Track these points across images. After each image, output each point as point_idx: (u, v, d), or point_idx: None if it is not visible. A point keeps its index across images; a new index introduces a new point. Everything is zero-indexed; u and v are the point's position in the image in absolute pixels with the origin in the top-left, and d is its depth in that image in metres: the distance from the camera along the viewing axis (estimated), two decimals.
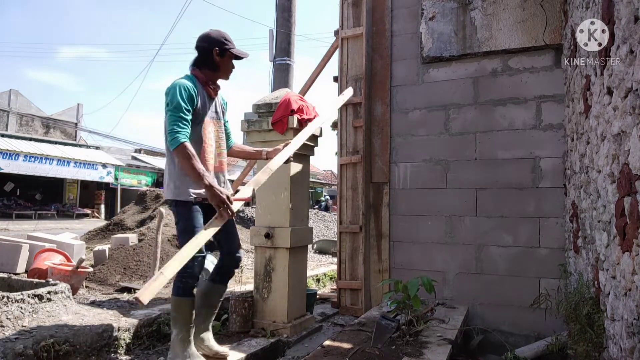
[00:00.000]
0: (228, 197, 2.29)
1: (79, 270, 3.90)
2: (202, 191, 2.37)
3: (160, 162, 23.46)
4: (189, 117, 2.37)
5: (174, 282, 2.47)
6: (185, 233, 2.40)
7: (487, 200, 3.45)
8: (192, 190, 2.42)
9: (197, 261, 2.45)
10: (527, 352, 2.86)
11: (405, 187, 3.77)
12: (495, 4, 3.47)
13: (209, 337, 2.66)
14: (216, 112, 2.61)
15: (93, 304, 3.53)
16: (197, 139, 2.45)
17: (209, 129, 2.53)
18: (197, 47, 2.51)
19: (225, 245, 2.66)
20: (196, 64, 2.53)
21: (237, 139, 3.12)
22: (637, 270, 1.54)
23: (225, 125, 2.75)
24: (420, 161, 3.72)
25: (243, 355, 2.75)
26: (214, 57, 2.48)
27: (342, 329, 3.08)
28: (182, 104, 2.34)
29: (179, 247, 2.42)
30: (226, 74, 2.58)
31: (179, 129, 2.30)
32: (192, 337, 2.47)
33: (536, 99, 3.35)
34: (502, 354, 2.92)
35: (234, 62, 2.61)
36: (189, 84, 2.40)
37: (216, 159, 2.57)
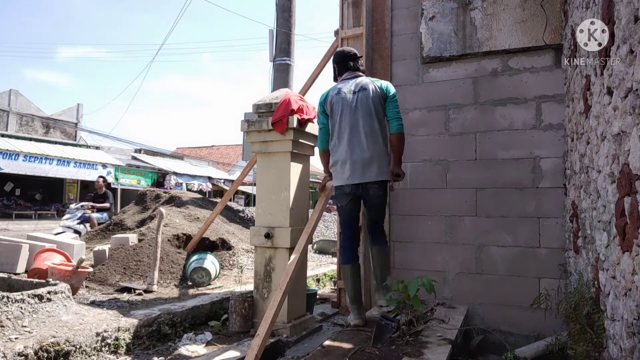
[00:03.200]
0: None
1: (79, 270, 3.90)
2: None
3: (160, 162, 23.43)
4: None
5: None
6: (386, 206, 2.99)
7: (487, 200, 3.45)
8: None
9: (350, 235, 2.95)
10: (527, 352, 2.86)
11: (405, 187, 3.77)
12: (495, 4, 3.47)
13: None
14: None
15: (93, 304, 3.53)
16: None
17: None
18: (358, 57, 3.16)
19: (369, 216, 3.04)
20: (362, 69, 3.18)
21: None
22: (637, 270, 1.54)
23: None
24: (420, 161, 3.72)
25: (243, 355, 2.75)
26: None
27: (342, 329, 3.08)
28: None
29: (377, 218, 3.01)
30: None
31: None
32: (356, 303, 2.81)
33: (536, 99, 3.35)
34: (502, 354, 2.92)
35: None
36: None
37: None
